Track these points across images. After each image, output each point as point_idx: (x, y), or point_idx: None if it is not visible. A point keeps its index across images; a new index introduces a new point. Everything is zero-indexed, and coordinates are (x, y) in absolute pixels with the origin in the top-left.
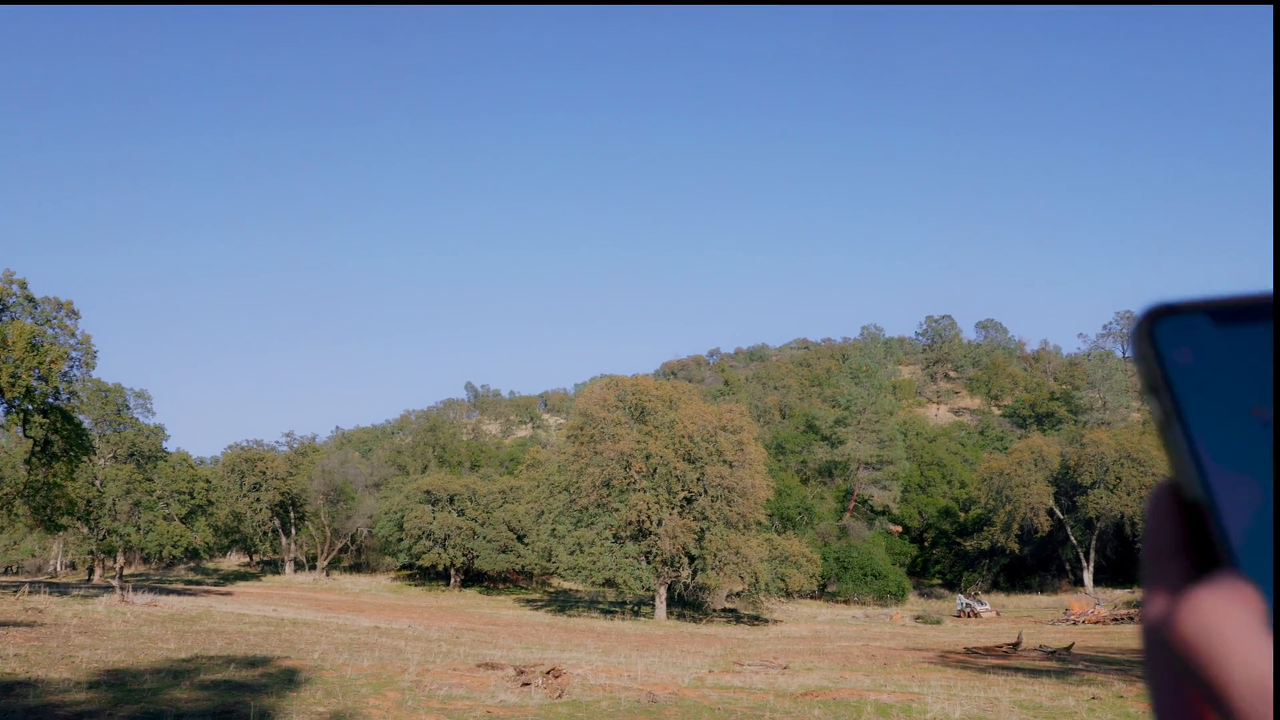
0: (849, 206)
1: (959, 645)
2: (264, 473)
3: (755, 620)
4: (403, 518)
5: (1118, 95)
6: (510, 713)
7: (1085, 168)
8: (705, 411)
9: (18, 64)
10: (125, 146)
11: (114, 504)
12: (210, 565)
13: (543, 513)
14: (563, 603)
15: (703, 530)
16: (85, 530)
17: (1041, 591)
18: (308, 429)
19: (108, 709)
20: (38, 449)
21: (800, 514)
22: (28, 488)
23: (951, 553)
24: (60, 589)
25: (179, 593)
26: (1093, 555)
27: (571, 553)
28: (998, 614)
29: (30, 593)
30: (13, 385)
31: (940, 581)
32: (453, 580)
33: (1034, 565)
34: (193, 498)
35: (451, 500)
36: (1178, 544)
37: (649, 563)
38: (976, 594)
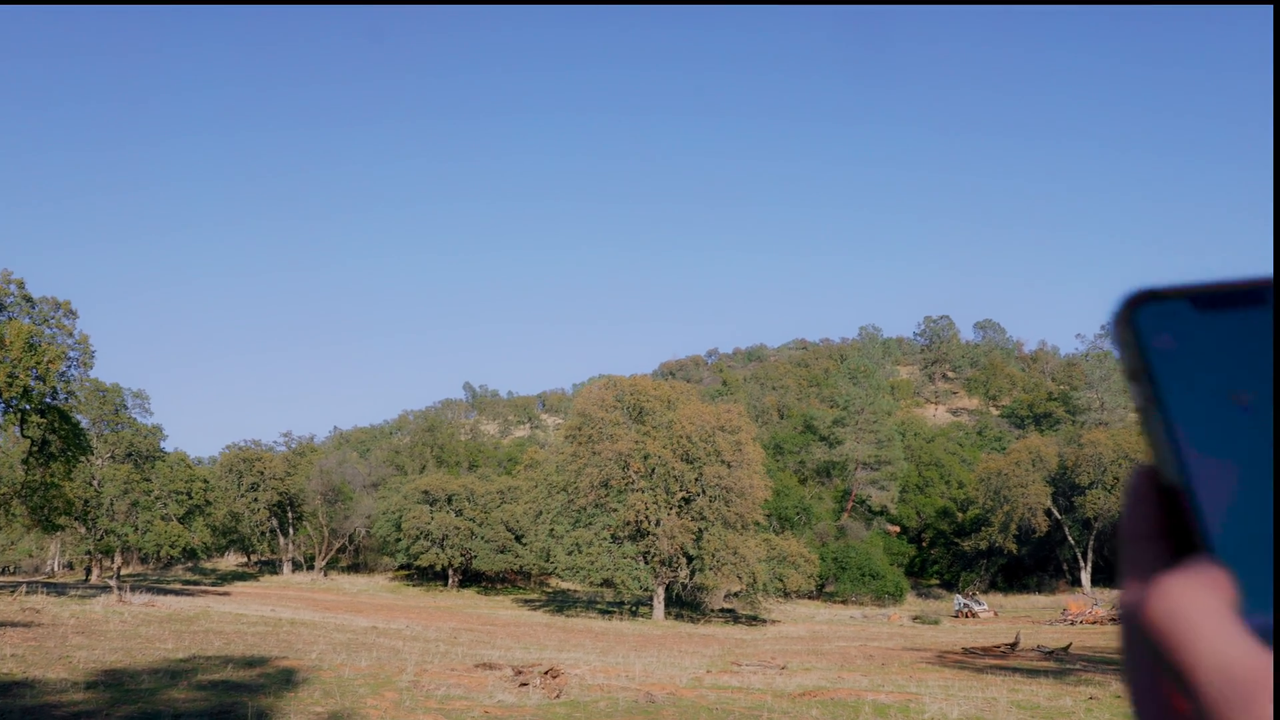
0: (847, 207)
1: (957, 645)
2: (262, 473)
3: (753, 620)
4: (400, 518)
5: (1117, 95)
6: (508, 713)
7: (1084, 168)
8: (703, 412)
9: (17, 64)
10: (124, 146)
11: (111, 504)
12: (208, 565)
13: (541, 513)
14: (561, 603)
15: (701, 530)
16: (83, 530)
17: (1039, 592)
18: (305, 429)
19: (105, 709)
20: (35, 449)
21: (798, 514)
22: (25, 487)
23: (949, 553)
24: (57, 589)
25: (176, 593)
26: (1090, 555)
27: (569, 553)
28: (995, 614)
29: (27, 593)
30: (10, 385)
31: (938, 582)
32: (450, 580)
33: (1032, 565)
34: (190, 498)
35: (449, 500)
36: (1155, 529)
37: (647, 563)
38: (974, 594)
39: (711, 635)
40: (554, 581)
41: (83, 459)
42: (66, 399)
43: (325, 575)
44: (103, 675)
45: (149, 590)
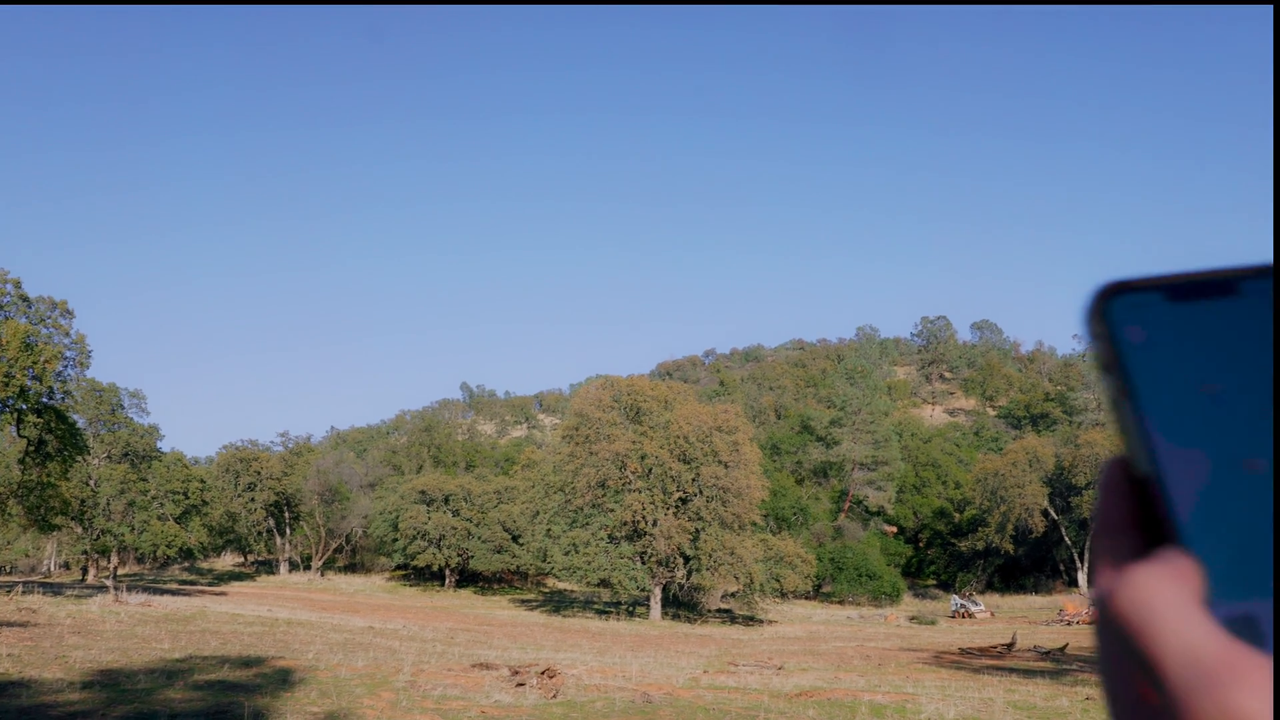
0: (845, 207)
1: (953, 646)
2: (259, 473)
3: (750, 621)
4: (398, 518)
5: (1116, 96)
6: (505, 713)
7: (1082, 169)
8: (700, 412)
9: (15, 63)
10: (122, 146)
11: (108, 504)
12: (204, 565)
13: (538, 513)
14: (558, 603)
15: (698, 531)
16: (79, 530)
17: (1036, 592)
18: (303, 429)
19: (101, 709)
20: (32, 449)
21: (795, 514)
22: (21, 487)
23: (946, 553)
24: (54, 589)
25: (173, 593)
26: (1087, 556)
27: (566, 553)
28: (992, 615)
29: (24, 593)
30: (6, 385)
31: (935, 582)
32: (447, 580)
33: (1028, 566)
34: (187, 498)
35: (446, 500)
36: (1127, 519)
37: (644, 563)
38: (971, 594)
39: (708, 635)
40: (551, 582)
41: (79, 459)
42: (63, 399)
43: (322, 575)
44: (99, 675)
45: (145, 590)
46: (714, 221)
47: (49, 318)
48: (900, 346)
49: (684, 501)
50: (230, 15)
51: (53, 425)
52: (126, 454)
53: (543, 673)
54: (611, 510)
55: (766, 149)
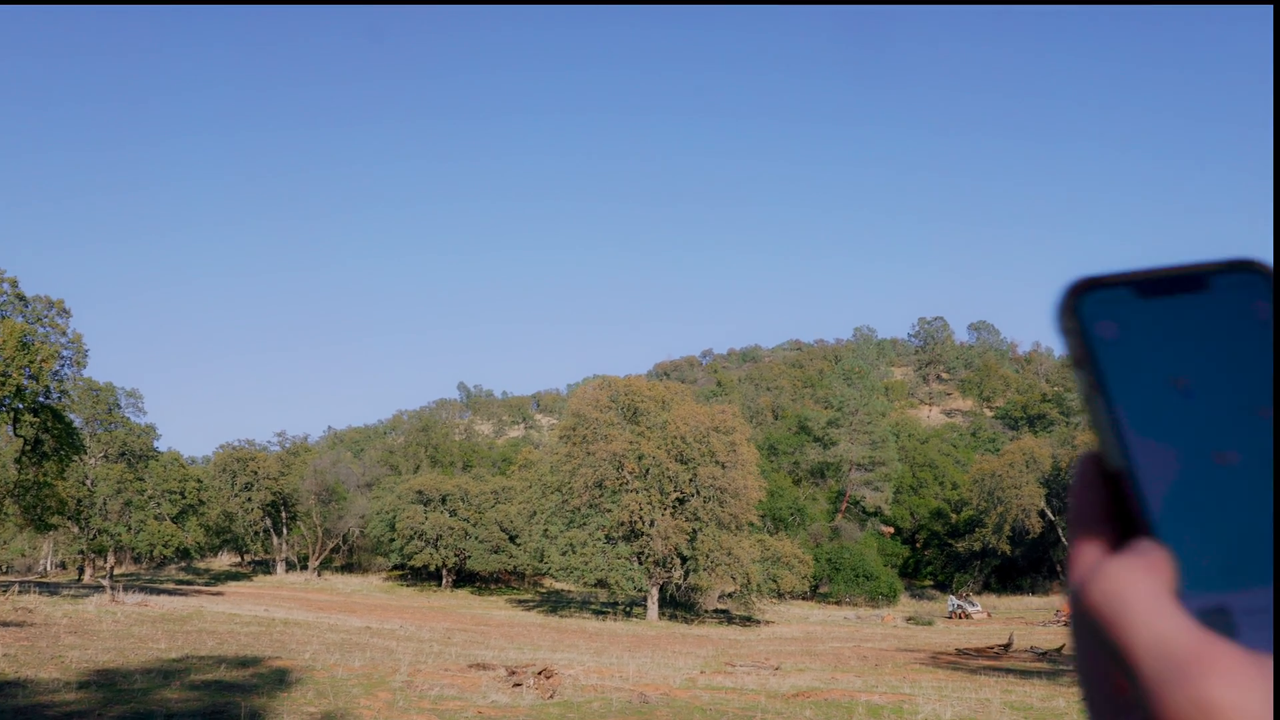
0: (842, 208)
1: (950, 646)
2: (256, 472)
3: (747, 621)
4: (395, 518)
5: (1115, 96)
6: (502, 713)
7: (1080, 169)
8: (698, 412)
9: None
10: (120, 146)
11: (105, 503)
12: (201, 565)
13: (535, 513)
14: (555, 603)
15: (695, 531)
16: (75, 530)
17: (1033, 593)
18: (300, 429)
19: (98, 709)
20: (28, 448)
21: (792, 515)
22: (18, 487)
23: (943, 554)
24: (50, 589)
25: (170, 592)
26: None
27: (564, 553)
28: (989, 615)
29: (20, 592)
30: (3, 384)
31: (932, 583)
32: (444, 581)
33: (1025, 567)
34: (184, 497)
35: (444, 500)
36: (1100, 513)
37: (641, 563)
38: (968, 595)
39: (705, 636)
40: (548, 582)
41: (76, 458)
42: (60, 398)
43: (319, 575)
44: (95, 675)
45: (142, 590)
46: (711, 222)
47: (46, 317)
48: (897, 347)
49: (681, 502)
50: (230, 15)
51: (49, 424)
52: (123, 453)
53: (539, 673)
54: (609, 510)
55: (764, 149)
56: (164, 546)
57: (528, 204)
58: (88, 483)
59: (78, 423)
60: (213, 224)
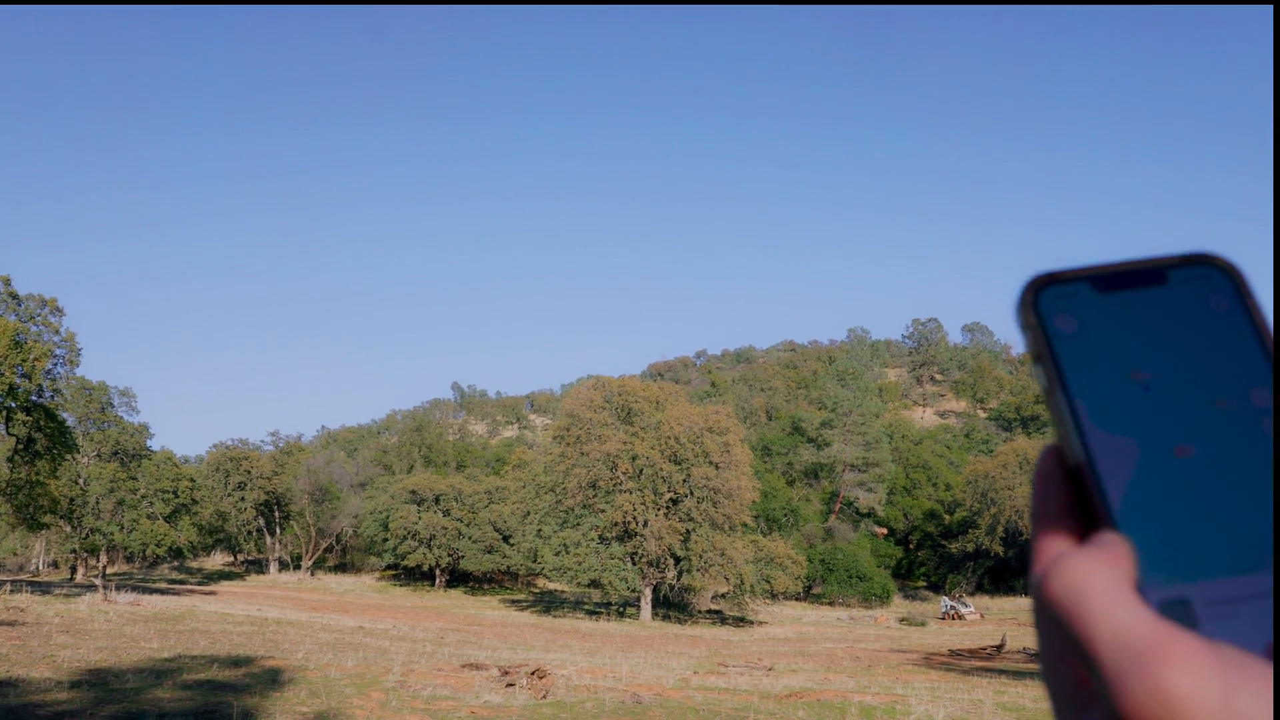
0: (837, 209)
1: (943, 647)
2: (249, 472)
3: (740, 622)
4: (388, 518)
5: (1113, 96)
6: (494, 713)
7: (1077, 170)
8: (692, 413)
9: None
10: (117, 145)
11: (97, 502)
12: (194, 564)
13: (528, 513)
14: (548, 603)
15: (688, 531)
16: (68, 529)
17: (1026, 594)
18: (293, 428)
19: (89, 709)
20: (20, 447)
21: (786, 516)
22: (10, 485)
23: (936, 555)
24: (42, 588)
25: (162, 592)
26: None
27: (557, 553)
28: (982, 616)
29: (12, 591)
30: None
31: (925, 584)
32: (438, 580)
33: (1018, 568)
34: (177, 496)
35: (437, 500)
36: (1062, 506)
37: (634, 564)
38: (961, 596)
39: (698, 636)
40: (541, 582)
41: (68, 457)
42: (52, 397)
43: (312, 575)
44: (87, 674)
45: (134, 589)
46: (706, 222)
47: (39, 315)
48: (891, 348)
49: (675, 502)
50: (229, 15)
51: (42, 423)
52: (116, 452)
53: (533, 673)
54: (602, 511)
55: (759, 150)
56: (157, 546)
57: (522, 204)
58: (80, 482)
59: (70, 421)
60: (207, 223)
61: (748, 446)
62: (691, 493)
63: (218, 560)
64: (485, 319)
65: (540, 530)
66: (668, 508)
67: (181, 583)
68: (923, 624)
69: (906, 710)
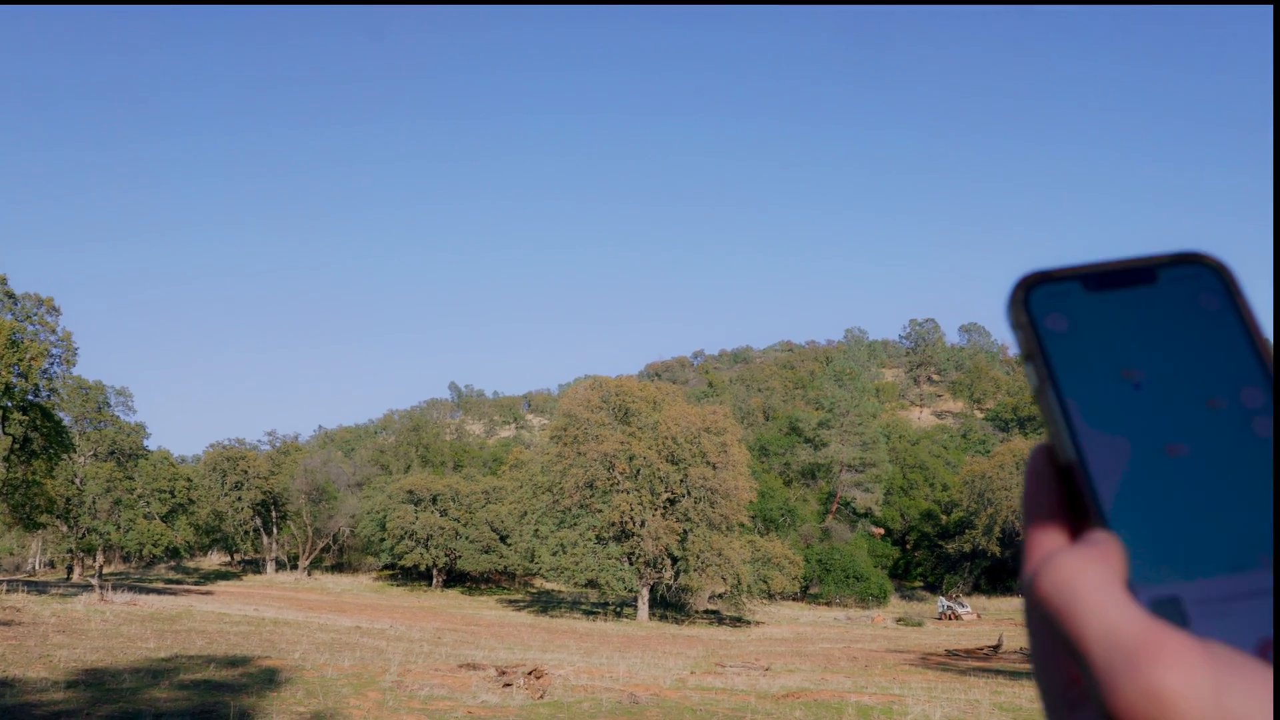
0: (834, 209)
1: (940, 647)
2: (246, 471)
3: (737, 622)
4: (385, 517)
5: (1112, 96)
6: (491, 713)
7: (1074, 170)
8: (689, 413)
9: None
10: (113, 145)
11: (94, 502)
12: (191, 564)
13: (526, 513)
14: (545, 603)
15: (685, 532)
16: (64, 528)
17: (1022, 594)
18: (290, 428)
19: (86, 708)
20: (17, 446)
21: (783, 516)
22: (6, 485)
23: (933, 555)
24: (39, 587)
25: (159, 592)
26: None
27: (554, 553)
28: (979, 616)
29: (8, 591)
30: None
31: (922, 584)
32: (435, 580)
33: (1015, 568)
34: (174, 496)
35: (434, 500)
36: (1053, 505)
37: (632, 564)
38: (958, 596)
39: (696, 636)
40: (538, 582)
41: (65, 457)
42: (49, 396)
43: (309, 575)
44: (84, 674)
45: (131, 589)
46: (703, 222)
47: (35, 314)
48: (888, 349)
49: (672, 502)
50: (229, 15)
51: (38, 423)
52: (113, 452)
53: (530, 673)
54: (599, 511)
55: (758, 150)
56: (153, 545)
57: (520, 204)
58: (77, 481)
59: (67, 421)
60: (203, 223)
61: (745, 447)
62: (689, 493)
63: (214, 560)
64: (482, 319)
65: (537, 530)
66: (665, 508)
67: (178, 583)
68: (919, 624)
69: (903, 710)
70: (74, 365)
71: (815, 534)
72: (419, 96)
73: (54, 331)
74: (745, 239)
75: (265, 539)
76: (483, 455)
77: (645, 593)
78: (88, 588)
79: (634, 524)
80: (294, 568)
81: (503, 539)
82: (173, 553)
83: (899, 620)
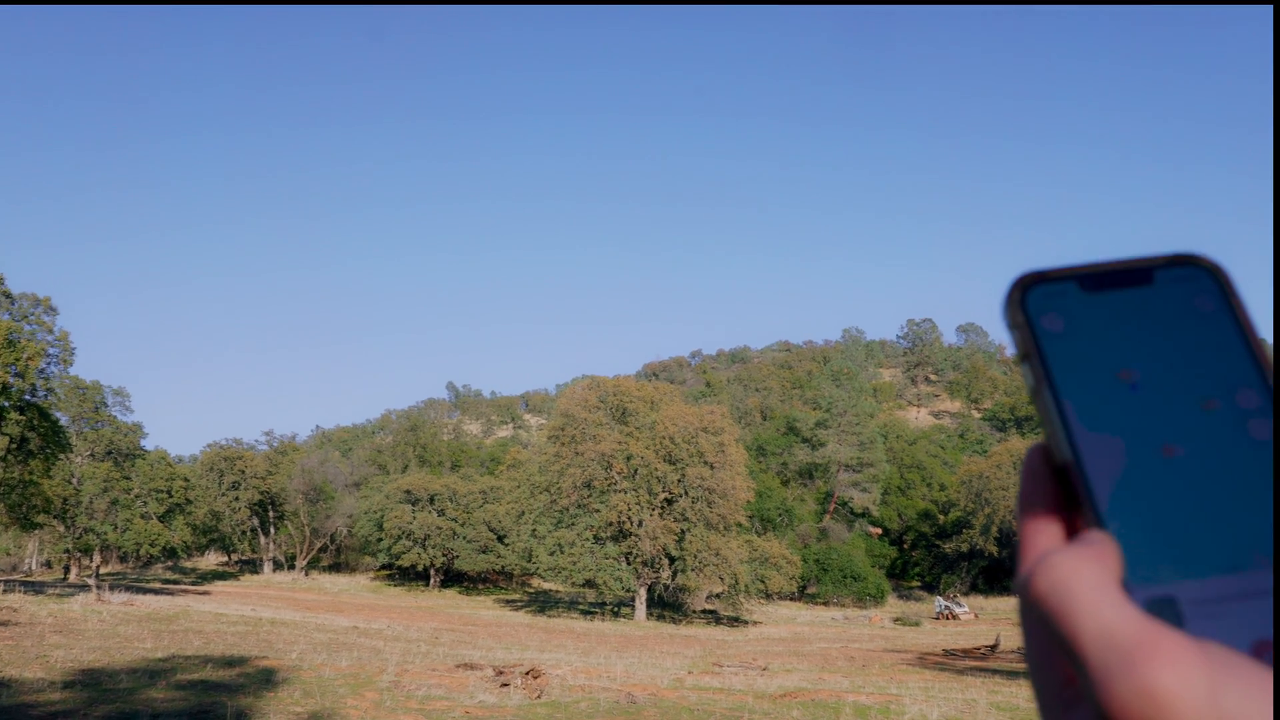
0: (832, 209)
1: (937, 647)
2: (243, 471)
3: (735, 622)
4: (382, 517)
5: (1111, 97)
6: (489, 713)
7: (1073, 170)
8: (686, 413)
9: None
10: (112, 144)
11: (91, 502)
12: (188, 564)
13: (523, 513)
14: (542, 603)
15: (683, 531)
16: (61, 528)
17: (1017, 594)
18: (287, 428)
19: (83, 709)
20: (14, 446)
21: (780, 516)
22: (3, 485)
23: (930, 555)
24: (35, 587)
25: (156, 592)
26: None
27: (552, 553)
28: (976, 616)
29: (5, 591)
30: None
31: (919, 584)
32: (432, 580)
33: (1012, 568)
34: (171, 496)
35: (432, 500)
36: (1048, 505)
37: (629, 564)
38: (955, 596)
39: (693, 636)
40: (536, 582)
41: (62, 456)
42: (46, 396)
43: (306, 575)
44: (80, 675)
45: (128, 589)
46: (702, 222)
47: (32, 314)
48: (886, 349)
49: (669, 502)
50: (229, 15)
51: (35, 423)
52: (110, 452)
53: (527, 673)
54: (597, 511)
55: (756, 150)
56: (150, 545)
57: (519, 204)
58: (74, 481)
59: (64, 421)
60: (201, 223)
61: (742, 446)
62: (686, 493)
63: (212, 560)
64: (480, 319)
65: (535, 530)
66: (662, 508)
67: (175, 583)
68: (917, 624)
69: (901, 710)
70: (71, 365)
71: (813, 534)
72: (418, 96)
73: (51, 331)
74: (743, 239)
75: (262, 539)
76: (480, 455)
77: (643, 592)
78: (84, 588)
79: (631, 524)
80: (291, 568)
81: (500, 539)
82: (170, 553)
83: (896, 620)
